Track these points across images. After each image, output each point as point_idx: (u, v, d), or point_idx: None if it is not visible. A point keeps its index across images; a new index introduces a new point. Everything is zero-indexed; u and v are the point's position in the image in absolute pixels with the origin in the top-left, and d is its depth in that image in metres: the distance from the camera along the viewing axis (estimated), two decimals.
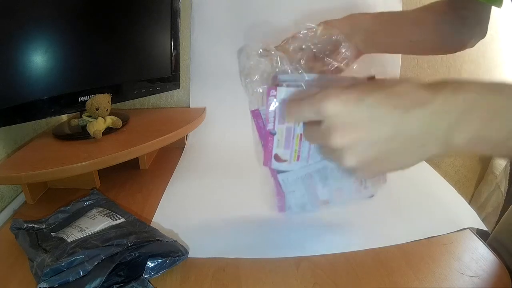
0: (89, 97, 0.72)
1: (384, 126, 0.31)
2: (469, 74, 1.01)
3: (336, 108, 0.31)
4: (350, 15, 0.52)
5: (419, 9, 0.56)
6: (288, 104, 0.36)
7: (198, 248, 0.52)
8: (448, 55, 0.97)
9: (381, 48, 0.55)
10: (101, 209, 0.58)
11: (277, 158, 0.45)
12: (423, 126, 0.30)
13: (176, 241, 0.50)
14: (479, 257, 0.49)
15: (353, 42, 0.49)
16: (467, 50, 0.57)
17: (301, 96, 0.34)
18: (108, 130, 0.73)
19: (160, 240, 0.49)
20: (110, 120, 0.74)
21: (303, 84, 0.40)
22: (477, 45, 0.56)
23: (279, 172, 0.47)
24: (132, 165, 0.77)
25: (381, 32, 0.52)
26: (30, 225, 0.54)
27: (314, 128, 0.34)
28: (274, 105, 0.41)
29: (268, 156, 0.45)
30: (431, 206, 0.61)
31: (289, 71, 0.43)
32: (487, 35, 0.55)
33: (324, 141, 0.33)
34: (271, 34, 0.91)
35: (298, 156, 0.45)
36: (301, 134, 0.43)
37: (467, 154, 0.28)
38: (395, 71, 0.97)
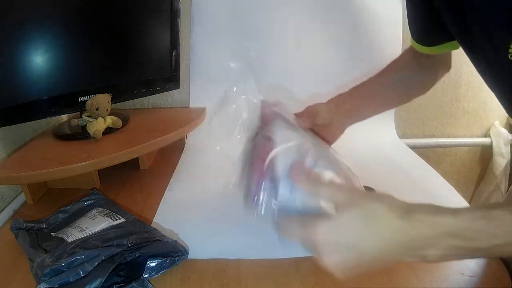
0: (89, 97, 0.72)
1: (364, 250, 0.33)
2: (469, 74, 1.01)
3: (323, 236, 0.34)
4: (331, 99, 0.58)
5: (386, 70, 0.63)
6: (282, 222, 0.40)
7: (198, 248, 0.52)
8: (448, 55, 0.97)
9: (360, 119, 0.61)
10: (101, 209, 0.58)
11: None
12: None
13: (176, 241, 0.50)
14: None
15: (339, 120, 0.56)
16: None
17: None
18: (108, 130, 0.73)
19: (160, 240, 0.49)
20: (110, 120, 0.74)
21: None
22: None
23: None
24: (132, 165, 0.77)
25: (359, 106, 0.60)
26: (30, 225, 0.54)
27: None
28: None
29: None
30: None
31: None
32: None
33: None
34: (271, 33, 0.91)
35: None
36: None
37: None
38: None
